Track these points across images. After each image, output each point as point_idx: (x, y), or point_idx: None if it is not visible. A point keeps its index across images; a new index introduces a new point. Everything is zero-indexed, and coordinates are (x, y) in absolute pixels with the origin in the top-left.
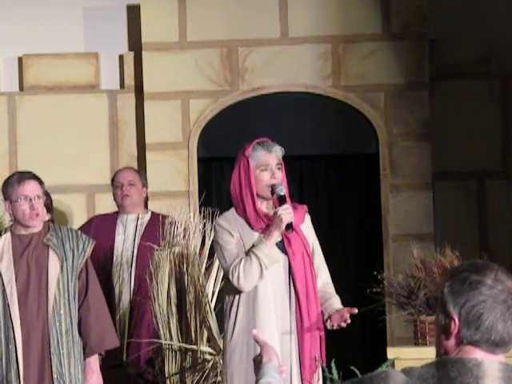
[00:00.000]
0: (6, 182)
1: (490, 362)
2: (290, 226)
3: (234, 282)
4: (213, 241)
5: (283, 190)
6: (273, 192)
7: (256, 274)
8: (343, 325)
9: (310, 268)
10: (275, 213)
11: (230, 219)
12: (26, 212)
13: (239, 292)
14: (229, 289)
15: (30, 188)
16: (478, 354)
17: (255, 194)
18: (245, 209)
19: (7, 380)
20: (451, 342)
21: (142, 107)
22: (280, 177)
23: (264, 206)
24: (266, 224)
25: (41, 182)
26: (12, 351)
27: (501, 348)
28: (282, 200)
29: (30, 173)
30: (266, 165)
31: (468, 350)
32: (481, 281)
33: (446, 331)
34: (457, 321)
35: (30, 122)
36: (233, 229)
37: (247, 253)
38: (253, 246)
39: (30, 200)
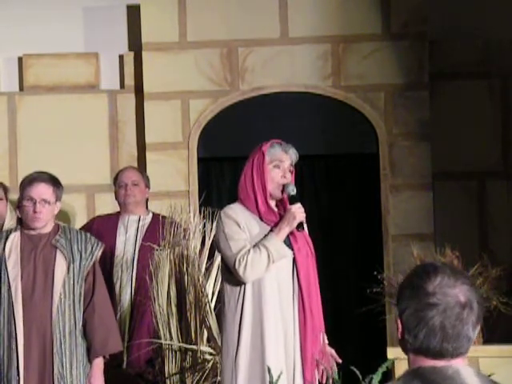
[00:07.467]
0: (22, 180)
1: (464, 368)
2: (301, 225)
3: (240, 271)
4: (214, 238)
5: (294, 190)
6: (283, 191)
7: (263, 266)
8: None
9: (313, 265)
10: (288, 210)
11: (237, 211)
12: (29, 214)
13: (244, 285)
14: (231, 283)
15: (37, 190)
16: (426, 362)
17: (268, 188)
18: (256, 200)
19: (7, 378)
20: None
21: (141, 107)
22: (290, 179)
23: (272, 204)
24: (277, 218)
25: (55, 186)
26: (13, 349)
27: (446, 358)
28: (293, 200)
29: (45, 174)
30: (280, 161)
31: (417, 358)
32: (421, 287)
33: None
34: (400, 325)
35: (30, 122)
36: (240, 220)
37: (256, 244)
38: (262, 238)
39: (35, 203)
